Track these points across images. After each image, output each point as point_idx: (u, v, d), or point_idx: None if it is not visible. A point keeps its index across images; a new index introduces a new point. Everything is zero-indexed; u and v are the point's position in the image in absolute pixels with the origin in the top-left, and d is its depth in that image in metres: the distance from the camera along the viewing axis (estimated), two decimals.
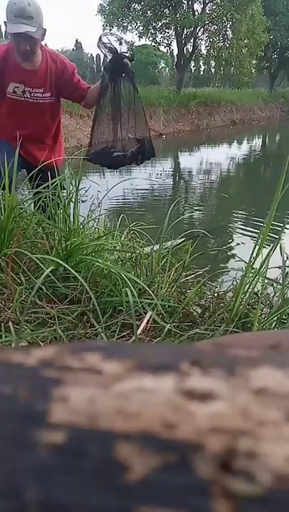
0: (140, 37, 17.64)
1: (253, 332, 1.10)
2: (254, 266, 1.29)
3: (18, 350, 0.17)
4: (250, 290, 1.27)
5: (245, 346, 0.27)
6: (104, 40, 2.04)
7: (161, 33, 17.54)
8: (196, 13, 16.70)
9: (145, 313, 1.15)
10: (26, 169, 2.06)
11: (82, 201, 2.01)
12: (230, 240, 3.90)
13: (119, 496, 0.12)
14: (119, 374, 0.15)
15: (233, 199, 5.99)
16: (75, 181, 1.59)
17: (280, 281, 1.32)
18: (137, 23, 17.06)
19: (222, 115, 16.51)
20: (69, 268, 1.19)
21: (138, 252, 1.52)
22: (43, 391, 0.14)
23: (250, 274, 1.28)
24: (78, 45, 74.56)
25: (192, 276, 1.53)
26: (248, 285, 1.27)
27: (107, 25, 17.06)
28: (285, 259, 1.35)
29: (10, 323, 1.07)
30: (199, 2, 16.69)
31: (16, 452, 0.13)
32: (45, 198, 1.61)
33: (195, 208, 5.29)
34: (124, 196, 5.32)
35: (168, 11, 16.62)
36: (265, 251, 1.29)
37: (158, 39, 17.79)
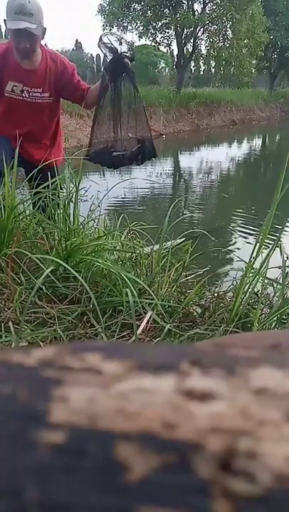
0: (140, 37, 17.66)
1: (253, 332, 1.10)
2: (254, 266, 1.29)
3: (18, 350, 0.17)
4: (250, 290, 1.27)
5: (245, 346, 0.27)
6: (105, 39, 2.04)
7: (161, 33, 17.56)
8: (196, 13, 16.71)
9: (145, 313, 1.15)
10: (24, 167, 2.06)
11: (83, 201, 2.01)
12: (230, 240, 3.90)
13: (119, 496, 0.12)
14: (119, 374, 0.15)
15: (233, 199, 5.99)
16: (75, 181, 1.59)
17: (280, 281, 1.32)
18: (137, 23, 17.07)
19: (222, 115, 16.51)
20: (69, 268, 1.19)
21: (138, 252, 1.52)
22: (43, 391, 0.14)
23: (250, 274, 1.28)
24: (78, 45, 74.54)
25: (192, 276, 1.53)
26: (248, 285, 1.27)
27: (107, 25, 17.06)
28: (285, 259, 1.35)
29: (10, 323, 1.07)
30: (199, 2, 16.71)
31: (16, 452, 0.13)
32: (45, 198, 1.61)
33: (195, 208, 5.28)
34: (124, 196, 5.32)
35: (168, 11, 16.63)
36: (265, 251, 1.29)
37: (158, 39, 17.82)
